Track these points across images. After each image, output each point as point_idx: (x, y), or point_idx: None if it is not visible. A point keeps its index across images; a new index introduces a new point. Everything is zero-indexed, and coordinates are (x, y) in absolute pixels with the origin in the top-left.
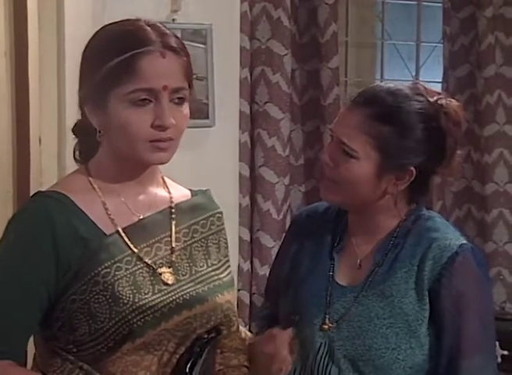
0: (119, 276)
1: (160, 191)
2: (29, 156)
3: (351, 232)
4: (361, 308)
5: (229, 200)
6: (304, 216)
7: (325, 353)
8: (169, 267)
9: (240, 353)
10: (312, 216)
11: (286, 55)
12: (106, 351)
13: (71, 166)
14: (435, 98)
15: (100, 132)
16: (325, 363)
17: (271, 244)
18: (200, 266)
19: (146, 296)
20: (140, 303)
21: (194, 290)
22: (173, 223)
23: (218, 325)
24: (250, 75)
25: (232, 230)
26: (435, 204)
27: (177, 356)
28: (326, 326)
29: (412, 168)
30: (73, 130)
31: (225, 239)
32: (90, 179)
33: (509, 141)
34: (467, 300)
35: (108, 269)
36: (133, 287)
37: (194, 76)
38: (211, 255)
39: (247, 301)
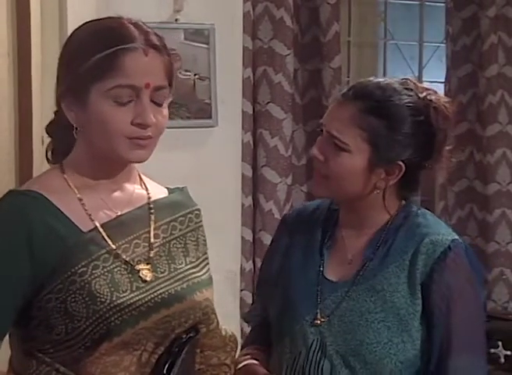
0: (96, 275)
1: (137, 188)
2: (31, 156)
3: (342, 228)
4: (352, 303)
5: (231, 200)
6: (295, 215)
7: (317, 349)
8: (147, 264)
9: (220, 351)
10: (302, 214)
11: (288, 54)
12: (84, 351)
13: None
14: (424, 93)
15: (77, 129)
16: (318, 359)
17: None
18: (179, 264)
19: (124, 294)
20: (118, 301)
21: (173, 288)
22: (152, 218)
23: (197, 324)
24: (253, 75)
25: (235, 230)
26: (437, 204)
27: (156, 356)
28: (318, 322)
29: (401, 162)
30: (47, 130)
31: (204, 236)
32: (65, 176)
33: (511, 140)
34: (457, 297)
35: (85, 268)
36: (110, 285)
37: (197, 76)
38: (190, 252)
39: (250, 301)
